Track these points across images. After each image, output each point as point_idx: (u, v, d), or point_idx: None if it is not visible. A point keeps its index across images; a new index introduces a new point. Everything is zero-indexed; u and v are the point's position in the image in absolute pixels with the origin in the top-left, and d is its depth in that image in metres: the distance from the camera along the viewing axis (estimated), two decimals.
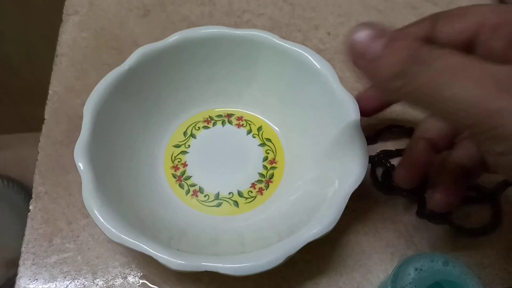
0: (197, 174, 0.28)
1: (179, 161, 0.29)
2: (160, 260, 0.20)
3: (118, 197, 0.23)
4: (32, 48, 0.64)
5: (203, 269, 0.20)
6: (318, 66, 0.26)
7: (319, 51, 0.35)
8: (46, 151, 0.29)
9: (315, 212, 0.22)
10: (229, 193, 0.27)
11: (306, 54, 0.27)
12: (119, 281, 0.25)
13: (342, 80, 0.26)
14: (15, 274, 0.25)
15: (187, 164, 0.29)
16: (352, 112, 0.24)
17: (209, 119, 0.31)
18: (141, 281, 0.25)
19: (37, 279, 0.25)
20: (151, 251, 0.20)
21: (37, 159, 0.29)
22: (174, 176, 0.28)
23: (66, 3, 0.37)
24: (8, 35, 0.63)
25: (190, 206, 0.27)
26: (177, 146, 0.29)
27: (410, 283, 0.21)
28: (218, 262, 0.20)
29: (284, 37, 0.36)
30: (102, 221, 0.21)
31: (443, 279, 0.21)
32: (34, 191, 0.28)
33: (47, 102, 0.32)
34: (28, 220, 0.27)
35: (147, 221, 0.24)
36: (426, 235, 0.26)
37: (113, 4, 0.38)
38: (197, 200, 0.27)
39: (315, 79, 0.26)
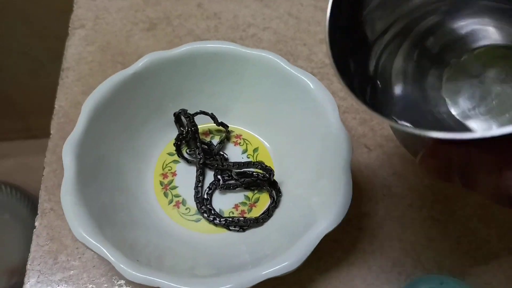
0: (184, 186, 0.28)
1: (169, 169, 0.29)
2: (116, 267, 0.20)
3: (98, 197, 0.24)
4: (36, 61, 0.65)
5: (156, 285, 0.20)
6: (320, 97, 0.26)
7: (324, 65, 0.35)
8: (52, 167, 0.29)
9: (285, 249, 0.21)
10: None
11: (310, 84, 0.26)
12: None
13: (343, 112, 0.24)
14: (16, 283, 0.25)
15: (176, 174, 0.28)
16: (344, 151, 0.24)
17: (208, 132, 0.31)
18: None
19: None
20: (110, 256, 0.20)
21: (43, 175, 0.29)
22: (161, 183, 0.28)
23: (72, 16, 0.37)
24: (14, 49, 0.63)
25: (170, 216, 0.27)
26: (171, 154, 0.29)
27: None
28: (174, 281, 0.20)
29: (289, 51, 0.36)
30: (73, 219, 0.21)
31: None
32: (39, 207, 0.28)
33: (53, 117, 0.32)
34: (34, 237, 0.26)
35: (124, 226, 0.24)
36: (433, 254, 0.26)
37: (119, 18, 0.38)
38: (178, 211, 0.27)
39: (316, 109, 0.26)
